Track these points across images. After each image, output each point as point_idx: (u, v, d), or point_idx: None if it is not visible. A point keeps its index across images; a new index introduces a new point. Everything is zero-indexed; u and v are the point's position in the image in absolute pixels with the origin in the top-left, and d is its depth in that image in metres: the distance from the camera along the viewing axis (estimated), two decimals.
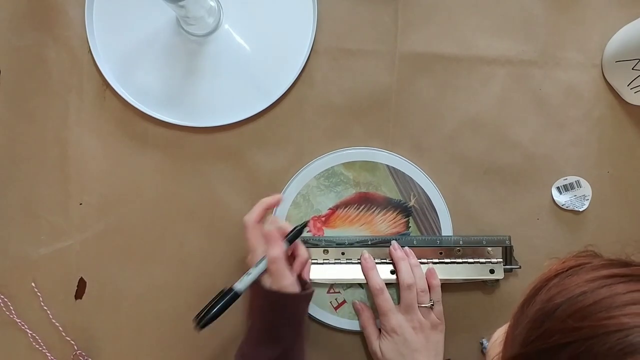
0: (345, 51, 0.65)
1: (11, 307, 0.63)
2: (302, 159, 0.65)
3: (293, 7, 0.65)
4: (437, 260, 0.63)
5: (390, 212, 0.65)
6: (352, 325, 0.63)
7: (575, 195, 0.65)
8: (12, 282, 0.63)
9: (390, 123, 0.65)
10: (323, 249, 0.63)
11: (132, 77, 0.64)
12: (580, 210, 0.65)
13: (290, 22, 0.65)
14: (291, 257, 0.58)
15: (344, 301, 0.64)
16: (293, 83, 0.64)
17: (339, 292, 0.64)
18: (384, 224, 0.65)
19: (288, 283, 0.53)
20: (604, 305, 0.33)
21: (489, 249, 0.63)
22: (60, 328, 0.63)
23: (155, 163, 0.64)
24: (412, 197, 0.65)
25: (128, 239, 0.64)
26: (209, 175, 0.64)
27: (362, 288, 0.64)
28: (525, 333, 0.37)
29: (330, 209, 0.64)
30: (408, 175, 0.65)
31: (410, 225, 0.65)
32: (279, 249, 0.53)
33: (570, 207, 0.65)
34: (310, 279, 0.59)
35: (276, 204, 0.59)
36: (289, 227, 0.56)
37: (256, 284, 0.53)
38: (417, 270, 0.61)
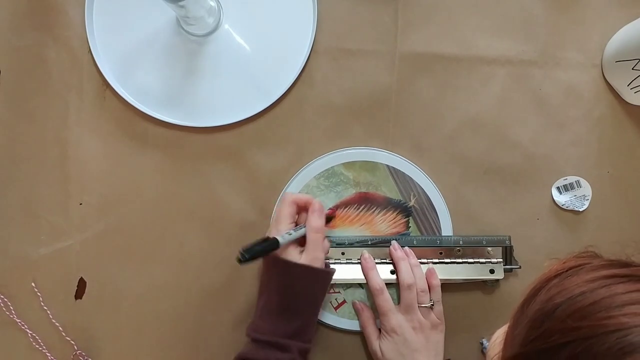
0: (345, 51, 0.65)
1: (11, 307, 0.63)
2: (302, 159, 0.65)
3: (293, 7, 0.65)
4: (437, 260, 0.63)
5: (390, 212, 0.65)
6: (352, 325, 0.63)
7: (575, 195, 0.65)
8: (12, 282, 0.63)
9: (390, 123, 0.65)
10: None
11: (132, 77, 0.64)
12: (580, 210, 0.65)
13: (290, 22, 0.65)
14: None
15: (344, 301, 0.64)
16: (293, 83, 0.64)
17: (339, 292, 0.64)
18: (384, 224, 0.65)
19: (321, 256, 0.56)
20: (603, 305, 0.33)
21: (489, 249, 0.63)
22: (60, 328, 0.63)
23: (155, 163, 0.64)
24: (412, 197, 0.65)
25: (128, 239, 0.64)
26: (209, 175, 0.64)
27: (362, 288, 0.64)
28: (525, 333, 0.37)
29: (330, 209, 0.64)
30: (408, 175, 0.65)
31: (410, 225, 0.65)
32: (322, 221, 0.57)
33: (570, 207, 0.65)
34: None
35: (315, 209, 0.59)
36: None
37: (280, 259, 0.55)
38: (417, 270, 0.61)
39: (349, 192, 0.64)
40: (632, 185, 0.66)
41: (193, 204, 0.64)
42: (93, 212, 0.64)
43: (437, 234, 0.64)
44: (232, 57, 0.65)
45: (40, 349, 0.63)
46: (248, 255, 0.53)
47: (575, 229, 0.65)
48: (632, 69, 0.61)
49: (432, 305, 0.60)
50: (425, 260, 0.63)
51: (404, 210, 0.65)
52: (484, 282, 0.64)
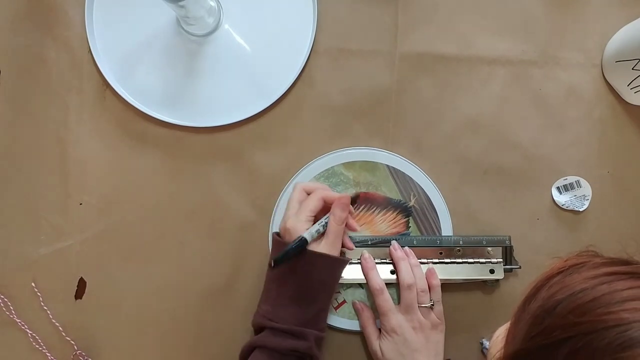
0: (345, 51, 0.65)
1: (11, 307, 0.63)
2: (302, 159, 0.65)
3: (293, 7, 0.65)
4: (437, 260, 0.63)
5: (390, 212, 0.65)
6: (352, 325, 0.63)
7: (575, 195, 0.65)
8: (12, 282, 0.63)
9: (390, 123, 0.66)
10: None
11: (132, 77, 0.64)
12: (580, 210, 0.65)
13: (290, 22, 0.65)
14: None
15: (344, 301, 0.63)
16: (293, 83, 0.64)
17: (338, 292, 0.64)
18: (384, 224, 0.64)
19: (339, 246, 0.58)
20: (604, 301, 0.34)
21: (489, 249, 0.63)
22: (60, 328, 0.63)
23: (155, 163, 0.64)
24: (412, 197, 0.65)
25: (128, 239, 0.64)
26: (209, 175, 0.64)
27: (362, 288, 0.64)
28: (526, 329, 0.37)
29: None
30: (408, 175, 0.65)
31: (410, 225, 0.65)
32: (346, 214, 0.58)
33: (570, 207, 0.65)
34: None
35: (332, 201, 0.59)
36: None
37: (297, 248, 0.56)
38: (417, 270, 0.61)
39: (349, 192, 0.64)
40: (632, 185, 0.66)
41: (193, 204, 0.64)
42: (93, 212, 0.64)
43: (437, 234, 0.64)
44: (232, 57, 0.65)
45: (40, 349, 0.63)
46: (278, 260, 0.55)
47: (575, 229, 0.65)
48: (632, 69, 0.61)
49: (432, 305, 0.60)
50: (425, 260, 0.63)
51: (404, 210, 0.65)
52: (484, 282, 0.64)
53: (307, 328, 0.55)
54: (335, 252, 0.57)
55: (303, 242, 0.56)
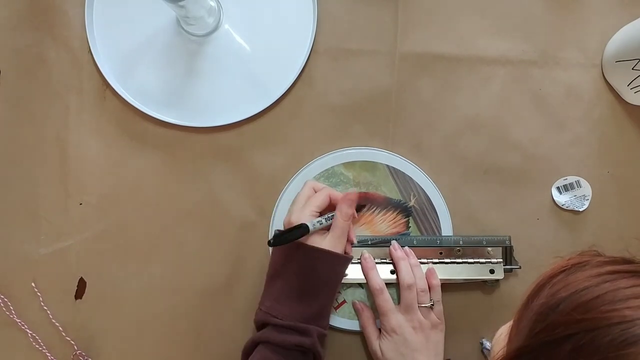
0: (345, 51, 0.65)
1: (11, 307, 0.63)
2: (302, 159, 0.65)
3: (293, 7, 0.65)
4: (437, 260, 0.63)
5: (390, 212, 0.65)
6: (352, 325, 0.63)
7: (575, 195, 0.65)
8: (12, 282, 0.63)
9: (390, 123, 0.66)
10: None
11: (132, 77, 0.64)
12: (580, 210, 0.65)
13: (290, 22, 0.65)
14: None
15: (344, 301, 0.63)
16: (293, 83, 0.64)
17: (338, 292, 0.63)
18: (384, 224, 0.64)
19: (344, 242, 0.58)
20: (607, 299, 0.34)
21: (489, 249, 0.63)
22: (60, 328, 0.63)
23: (155, 163, 0.64)
24: (412, 197, 0.65)
25: (128, 239, 0.64)
26: (209, 175, 0.64)
27: (362, 288, 0.64)
28: (530, 326, 0.37)
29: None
30: (408, 175, 0.65)
31: (410, 225, 0.65)
32: (352, 210, 0.59)
33: (570, 207, 0.65)
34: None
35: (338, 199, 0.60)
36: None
37: (303, 243, 0.56)
38: (417, 270, 0.61)
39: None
40: (632, 185, 0.66)
41: (193, 204, 0.64)
42: (93, 212, 0.64)
43: (437, 234, 0.64)
44: (232, 57, 0.65)
45: (40, 349, 0.63)
46: (276, 242, 0.55)
47: (575, 229, 0.65)
48: (632, 69, 0.61)
49: (432, 305, 0.60)
50: (425, 260, 0.63)
51: (404, 210, 0.65)
52: (484, 282, 0.64)
53: (311, 324, 0.55)
54: (340, 247, 0.58)
55: (304, 227, 0.56)
